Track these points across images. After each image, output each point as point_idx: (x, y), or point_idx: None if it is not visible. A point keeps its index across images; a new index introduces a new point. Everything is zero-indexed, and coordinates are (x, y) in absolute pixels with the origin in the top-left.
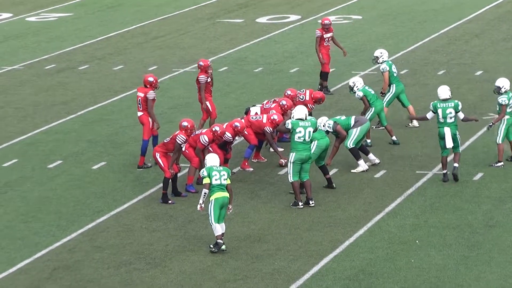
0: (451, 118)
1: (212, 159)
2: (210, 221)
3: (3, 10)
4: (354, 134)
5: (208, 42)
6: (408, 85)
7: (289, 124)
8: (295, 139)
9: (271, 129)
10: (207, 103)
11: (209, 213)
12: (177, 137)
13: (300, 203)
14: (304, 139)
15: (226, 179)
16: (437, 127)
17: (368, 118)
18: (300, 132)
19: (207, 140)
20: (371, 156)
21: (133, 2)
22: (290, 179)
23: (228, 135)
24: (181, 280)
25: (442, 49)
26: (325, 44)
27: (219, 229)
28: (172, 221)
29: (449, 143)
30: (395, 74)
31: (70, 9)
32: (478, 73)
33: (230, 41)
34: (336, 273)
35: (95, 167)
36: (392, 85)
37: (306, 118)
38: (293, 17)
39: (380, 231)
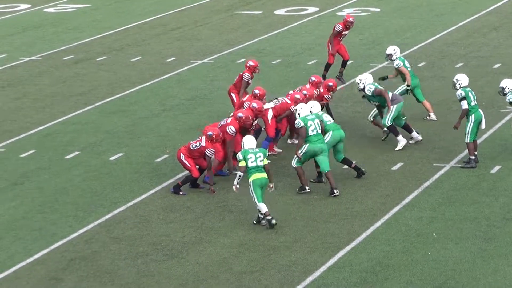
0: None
1: (249, 141)
2: (254, 202)
3: (22, 1)
4: (391, 111)
5: (226, 33)
6: (426, 78)
7: (300, 122)
8: (309, 133)
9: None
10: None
11: (252, 195)
12: (206, 151)
13: (306, 187)
14: (317, 131)
15: (262, 160)
16: (472, 113)
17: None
18: (311, 125)
19: (234, 130)
20: (414, 134)
21: None
22: (294, 164)
23: (250, 118)
24: (197, 271)
25: (460, 42)
26: (339, 39)
27: (263, 207)
28: (189, 212)
29: (484, 125)
30: (409, 69)
31: (88, 0)
32: (496, 66)
33: (248, 33)
34: (353, 265)
35: (112, 158)
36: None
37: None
38: (311, 9)
39: (397, 224)
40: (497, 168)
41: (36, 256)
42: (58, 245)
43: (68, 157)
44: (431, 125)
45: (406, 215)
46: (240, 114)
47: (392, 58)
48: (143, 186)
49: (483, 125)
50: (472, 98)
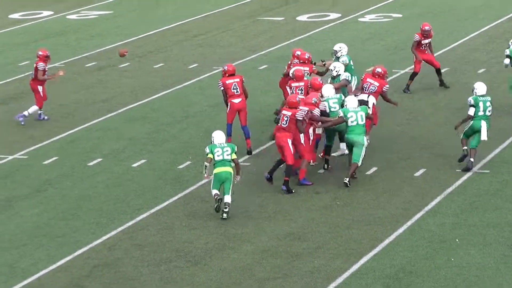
0: (489, 111)
1: (218, 136)
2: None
3: (44, 8)
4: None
5: (249, 40)
6: (449, 84)
7: (340, 113)
8: (348, 124)
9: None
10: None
11: (211, 183)
12: (296, 114)
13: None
14: (357, 123)
15: (230, 154)
16: (473, 120)
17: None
18: (351, 116)
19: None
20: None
21: (173, 0)
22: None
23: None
24: (220, 278)
25: (482, 47)
26: (422, 48)
27: (214, 192)
28: (212, 219)
29: (484, 136)
30: (353, 67)
31: (110, 7)
32: None
33: (270, 39)
34: (376, 272)
35: (135, 165)
36: (354, 77)
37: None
38: (333, 15)
39: (420, 230)
40: None
41: (59, 263)
42: (81, 252)
43: (91, 164)
44: (453, 131)
45: (429, 221)
46: (314, 99)
47: (337, 55)
48: (166, 192)
49: (483, 136)
50: (481, 108)
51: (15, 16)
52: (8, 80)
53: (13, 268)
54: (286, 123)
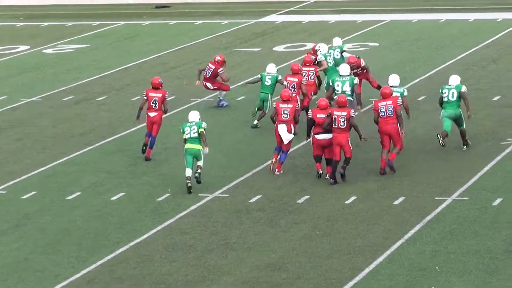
0: None
1: (191, 115)
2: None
3: (21, 42)
4: None
5: (226, 71)
6: (426, 111)
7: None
8: (444, 100)
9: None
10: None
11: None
12: (351, 113)
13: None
14: (448, 99)
15: (196, 132)
16: None
17: None
18: (445, 93)
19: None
20: None
21: (150, 33)
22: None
23: None
24: None
25: (459, 74)
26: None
27: (188, 171)
28: (192, 251)
29: None
30: (330, 64)
31: (87, 41)
32: (496, 98)
33: (247, 70)
34: None
35: (114, 198)
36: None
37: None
38: (310, 45)
39: (400, 258)
40: (498, 200)
41: None
42: (61, 286)
43: (69, 197)
44: (433, 158)
45: (408, 250)
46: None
47: (317, 53)
48: (145, 225)
49: None
50: None
51: None
52: None
53: None
54: (344, 124)
